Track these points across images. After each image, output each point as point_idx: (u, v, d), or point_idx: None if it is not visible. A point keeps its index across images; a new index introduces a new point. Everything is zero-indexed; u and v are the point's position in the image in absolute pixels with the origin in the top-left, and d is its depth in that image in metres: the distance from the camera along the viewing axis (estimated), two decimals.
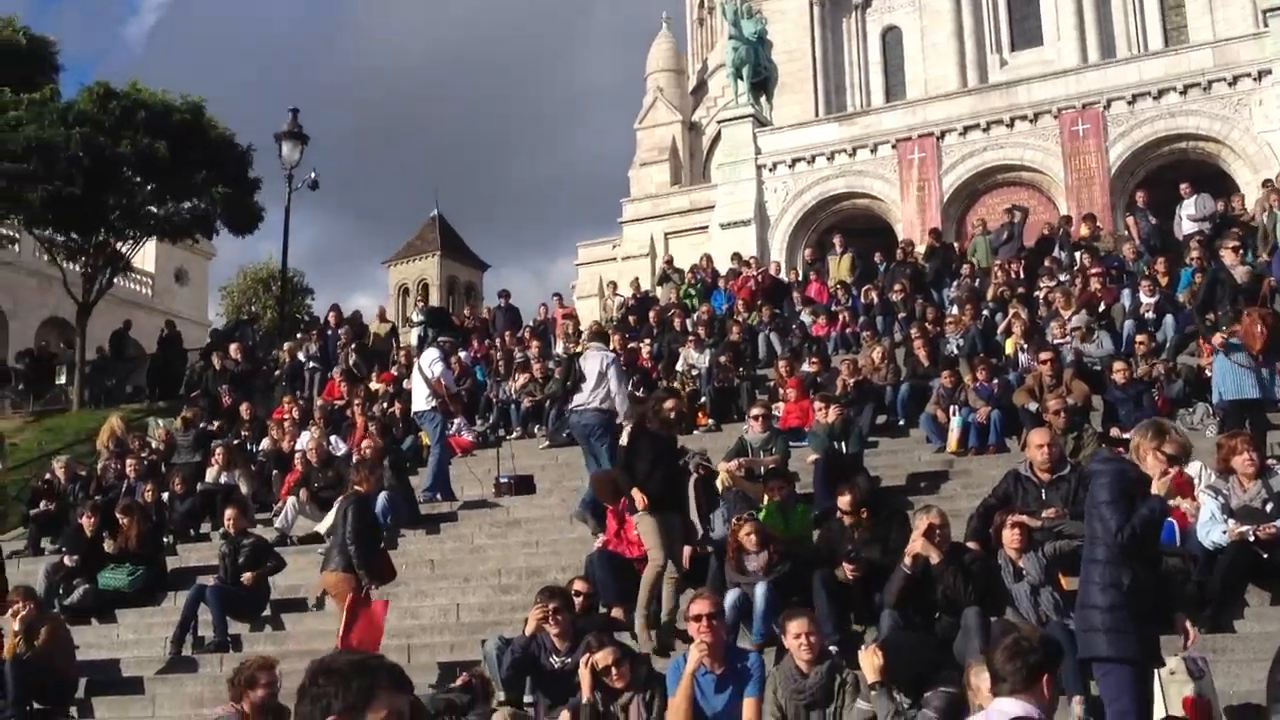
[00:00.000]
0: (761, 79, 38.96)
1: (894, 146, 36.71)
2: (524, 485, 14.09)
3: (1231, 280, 11.60)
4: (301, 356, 21.79)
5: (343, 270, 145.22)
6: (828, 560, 8.32)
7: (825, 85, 43.79)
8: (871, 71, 44.49)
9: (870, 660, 5.69)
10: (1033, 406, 11.27)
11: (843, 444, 11.19)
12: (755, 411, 11.04)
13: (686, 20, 55.74)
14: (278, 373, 22.23)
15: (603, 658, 6.57)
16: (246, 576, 10.63)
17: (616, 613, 8.71)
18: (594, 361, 11.26)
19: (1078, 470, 8.21)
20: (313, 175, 25.57)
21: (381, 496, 12.07)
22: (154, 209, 23.37)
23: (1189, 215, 18.88)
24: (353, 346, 20.56)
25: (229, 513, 11.11)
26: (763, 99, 38.98)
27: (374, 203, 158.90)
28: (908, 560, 7.13)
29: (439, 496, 13.48)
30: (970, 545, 7.79)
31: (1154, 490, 5.28)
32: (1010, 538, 7.25)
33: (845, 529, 8.50)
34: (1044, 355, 12.05)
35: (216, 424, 17.37)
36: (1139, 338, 13.67)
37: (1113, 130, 34.33)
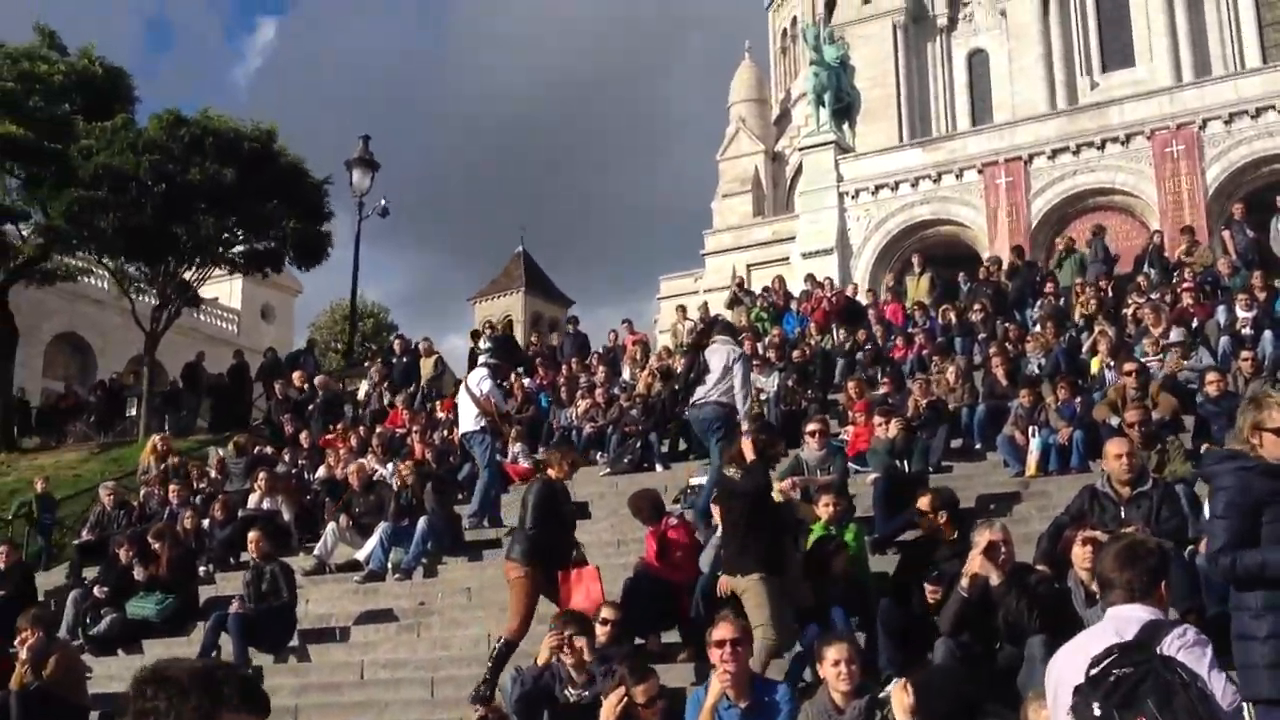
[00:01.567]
0: (844, 105, 38.15)
1: (980, 171, 35.74)
2: (579, 513, 13.46)
3: None
4: (366, 385, 21.56)
5: (433, 308, 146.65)
6: (895, 587, 7.56)
7: (910, 111, 42.97)
8: (957, 96, 43.58)
9: (899, 699, 4.94)
10: (1115, 421, 10.31)
11: (906, 462, 10.38)
12: (811, 427, 10.20)
13: (770, 49, 55.24)
14: (345, 403, 21.95)
15: (642, 692, 5.86)
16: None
17: (651, 642, 8.02)
18: (720, 355, 10.61)
19: (1161, 486, 7.34)
20: (383, 203, 25.43)
21: (421, 521, 11.53)
22: (225, 238, 23.22)
23: None
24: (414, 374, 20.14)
25: (251, 536, 10.58)
26: (845, 126, 38.20)
27: (464, 239, 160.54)
28: (964, 581, 6.32)
29: (486, 523, 12.88)
30: (1039, 568, 6.94)
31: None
32: (1081, 555, 6.39)
33: (925, 546, 7.67)
34: (1128, 366, 11.06)
35: (271, 451, 17.01)
36: (1243, 354, 12.58)
37: (1209, 151, 33.02)
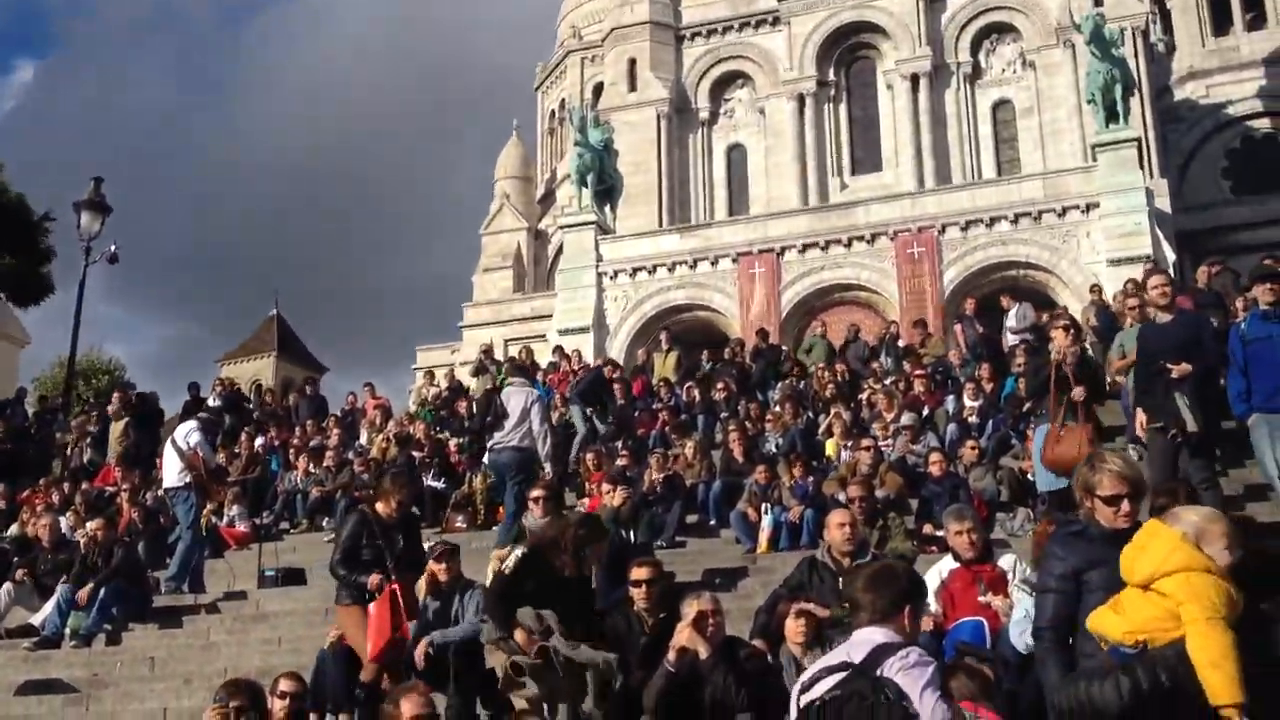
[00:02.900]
0: (606, 187, 38.43)
1: (735, 260, 36.49)
2: (293, 579, 12.58)
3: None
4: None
5: (183, 370, 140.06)
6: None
7: (670, 199, 43.73)
8: (716, 186, 44.65)
9: None
10: (842, 496, 10.28)
11: (631, 532, 10.04)
12: (535, 493, 9.74)
13: (538, 129, 55.52)
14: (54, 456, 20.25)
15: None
16: None
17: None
18: (518, 398, 10.45)
19: (881, 560, 7.19)
20: (113, 248, 23.81)
21: (104, 590, 10.46)
22: None
23: (1010, 327, 18.56)
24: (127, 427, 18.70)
25: None
26: (607, 208, 38.47)
27: (219, 303, 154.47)
28: (672, 656, 5.92)
29: (185, 588, 11.85)
30: (752, 643, 6.62)
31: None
32: (794, 629, 6.14)
33: (632, 625, 7.10)
34: (865, 443, 11.09)
35: None
36: (968, 443, 12.86)
37: (947, 254, 34.66)
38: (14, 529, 15.36)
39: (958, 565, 7.12)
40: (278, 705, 6.49)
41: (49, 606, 10.51)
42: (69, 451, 19.92)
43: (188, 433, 12.25)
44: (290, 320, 72.32)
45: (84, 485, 17.11)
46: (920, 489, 11.14)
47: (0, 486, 17.21)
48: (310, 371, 71.81)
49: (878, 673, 3.61)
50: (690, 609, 6.03)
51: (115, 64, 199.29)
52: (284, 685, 6.51)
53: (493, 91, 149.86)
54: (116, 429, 18.58)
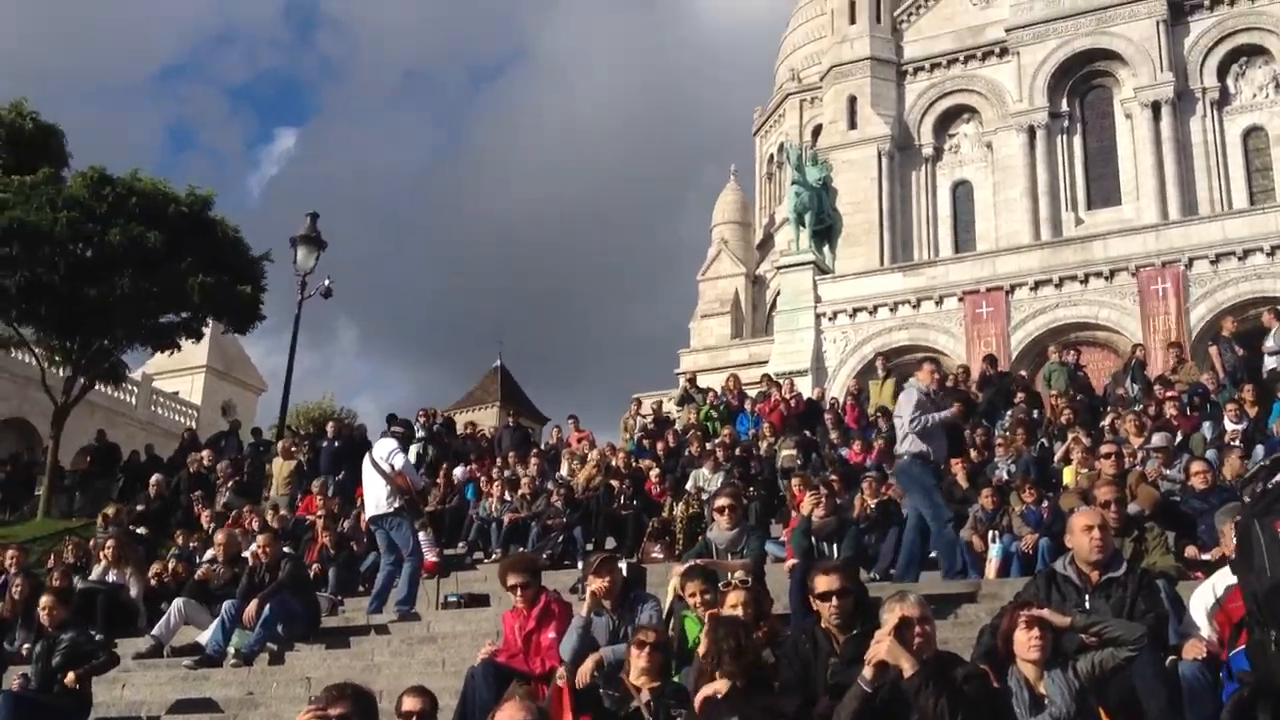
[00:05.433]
0: (825, 227, 37.24)
1: (961, 299, 34.69)
2: (476, 604, 11.77)
3: None
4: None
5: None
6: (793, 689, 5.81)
7: (891, 238, 42.15)
8: (940, 224, 42.85)
9: None
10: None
11: (833, 547, 8.75)
12: (720, 503, 8.49)
13: (756, 175, 54.70)
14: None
15: None
16: (69, 677, 8.22)
17: None
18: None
19: (1138, 575, 5.75)
20: (327, 283, 23.94)
21: (269, 606, 9.80)
22: (149, 306, 21.57)
23: (1269, 348, 16.40)
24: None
25: (44, 601, 8.73)
26: (825, 248, 37.25)
27: (463, 358, 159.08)
28: (868, 672, 4.69)
29: (412, 609, 11.07)
30: (970, 662, 5.28)
31: None
32: (1025, 642, 4.77)
33: (819, 644, 5.86)
34: (1106, 449, 9.37)
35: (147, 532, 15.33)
36: (1234, 454, 11.04)
37: (1194, 290, 32.07)
38: (210, 552, 15.14)
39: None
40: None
41: (214, 624, 9.94)
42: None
43: (390, 453, 11.41)
44: (514, 371, 73.41)
45: (282, 513, 16.86)
46: (1181, 505, 9.42)
47: (207, 513, 17.15)
48: (533, 421, 72.84)
49: None
50: (891, 614, 4.80)
51: (370, 128, 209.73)
52: (408, 704, 5.52)
53: (715, 138, 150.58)
54: (284, 468, 18.28)
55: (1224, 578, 5.74)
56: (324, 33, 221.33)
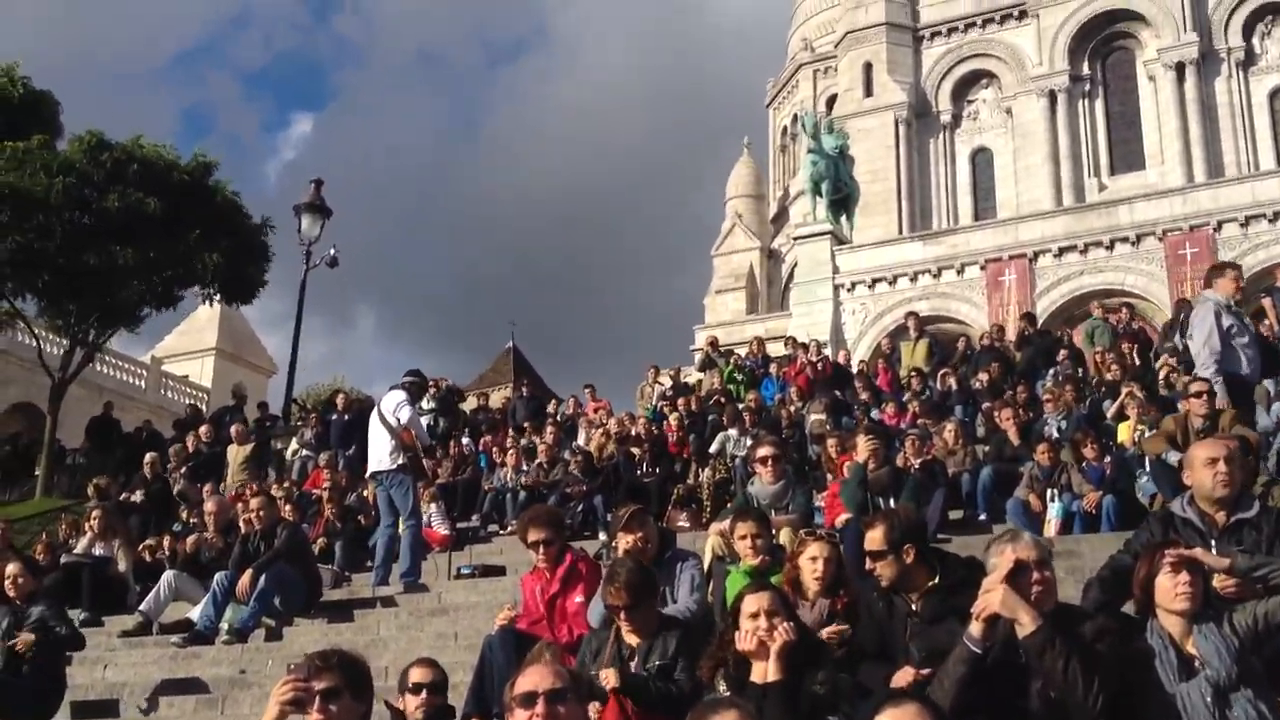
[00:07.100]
0: (842, 196, 36.20)
1: (983, 268, 33.76)
2: (491, 574, 10.94)
3: None
4: (295, 443, 19.15)
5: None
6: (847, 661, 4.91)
7: (910, 206, 41.17)
8: (960, 192, 41.85)
9: None
10: (1173, 458, 7.76)
11: (890, 500, 7.89)
12: (763, 452, 7.58)
13: (769, 147, 53.65)
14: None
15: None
16: (21, 640, 7.26)
17: None
18: None
19: (1275, 514, 4.86)
20: (332, 252, 23.15)
21: (264, 577, 8.94)
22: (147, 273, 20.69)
23: None
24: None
25: (9, 570, 7.77)
26: (843, 218, 36.26)
27: (478, 338, 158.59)
28: (975, 629, 3.83)
29: (418, 580, 10.24)
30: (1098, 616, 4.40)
31: None
32: (1172, 590, 3.82)
33: (896, 603, 4.92)
34: (1196, 387, 8.34)
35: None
36: None
37: (1225, 253, 30.96)
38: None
39: None
40: (412, 702, 4.70)
41: (205, 598, 9.11)
42: (289, 456, 19.15)
43: (397, 405, 10.60)
44: (528, 352, 72.80)
45: (288, 484, 16.07)
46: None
47: (208, 487, 16.39)
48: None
49: None
50: (1002, 559, 3.91)
51: (387, 112, 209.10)
52: (416, 675, 4.69)
53: (732, 114, 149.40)
54: (239, 453, 17.48)
55: None
56: (341, 14, 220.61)
